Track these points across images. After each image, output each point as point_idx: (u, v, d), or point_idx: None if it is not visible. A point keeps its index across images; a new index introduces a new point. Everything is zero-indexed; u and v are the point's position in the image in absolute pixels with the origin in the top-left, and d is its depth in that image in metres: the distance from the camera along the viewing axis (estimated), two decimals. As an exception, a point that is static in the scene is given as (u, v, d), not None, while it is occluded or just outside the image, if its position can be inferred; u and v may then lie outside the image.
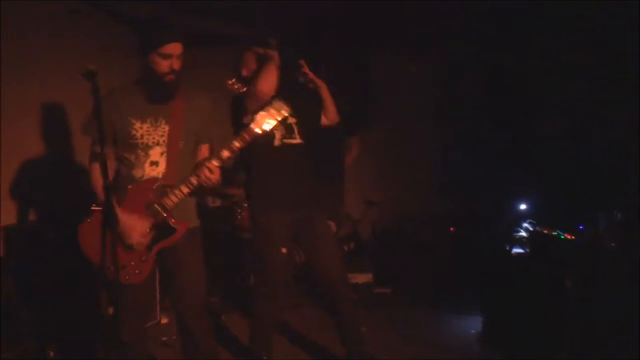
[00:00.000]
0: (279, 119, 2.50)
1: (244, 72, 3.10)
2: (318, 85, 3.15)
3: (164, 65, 2.34)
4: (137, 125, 2.42)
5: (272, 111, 2.47)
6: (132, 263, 2.42)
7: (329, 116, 3.25)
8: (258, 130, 2.46)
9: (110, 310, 2.22)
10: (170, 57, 2.34)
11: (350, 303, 3.19)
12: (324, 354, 3.52)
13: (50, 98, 3.76)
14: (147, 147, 2.44)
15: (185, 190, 2.43)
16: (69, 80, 3.44)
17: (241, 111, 2.97)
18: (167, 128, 2.44)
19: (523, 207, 4.60)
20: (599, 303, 3.07)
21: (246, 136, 2.44)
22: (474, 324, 3.93)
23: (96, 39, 4.05)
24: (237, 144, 2.43)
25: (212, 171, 2.41)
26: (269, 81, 2.93)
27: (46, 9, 3.75)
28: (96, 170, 2.43)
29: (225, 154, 2.43)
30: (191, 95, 2.53)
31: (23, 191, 3.61)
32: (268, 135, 2.91)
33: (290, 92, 3.05)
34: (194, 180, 2.43)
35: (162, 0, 4.07)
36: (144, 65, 2.38)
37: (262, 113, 2.47)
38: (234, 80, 3.06)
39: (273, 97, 2.55)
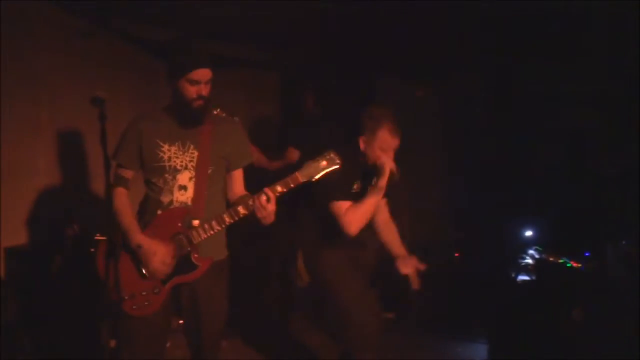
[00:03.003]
0: (327, 171, 2.39)
1: (362, 145, 2.88)
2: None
3: (191, 91, 2.31)
4: (165, 147, 2.37)
5: (324, 162, 2.38)
6: (143, 293, 2.32)
7: None
8: (303, 179, 2.37)
9: (112, 343, 2.14)
10: (198, 83, 2.30)
11: None
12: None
13: (61, 119, 3.80)
14: (174, 171, 2.38)
15: (216, 227, 2.36)
16: (79, 102, 3.47)
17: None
18: (196, 153, 2.39)
19: (529, 233, 4.58)
20: (607, 337, 3.04)
21: (290, 183, 2.36)
22: (479, 352, 3.90)
23: (107, 61, 4.10)
24: (279, 188, 2.34)
25: (269, 199, 2.31)
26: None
27: (59, 31, 3.81)
28: (118, 195, 2.39)
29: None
30: (219, 121, 2.50)
31: (29, 212, 3.63)
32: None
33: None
34: (226, 218, 2.36)
35: (172, 22, 4.16)
36: (173, 91, 2.36)
37: (310, 162, 2.39)
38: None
39: (327, 149, 2.43)
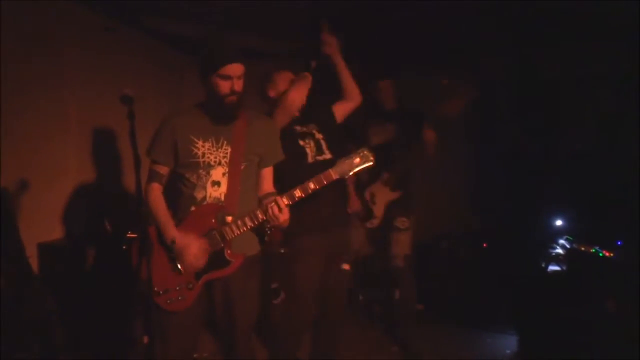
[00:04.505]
0: (361, 168, 2.42)
1: (271, 93, 3.01)
2: (336, 61, 3.02)
3: (224, 86, 2.31)
4: (199, 143, 2.39)
5: (357, 159, 2.41)
6: (177, 288, 2.35)
7: (352, 96, 3.09)
8: (337, 176, 2.40)
9: (145, 339, 2.17)
10: (230, 78, 2.30)
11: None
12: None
13: (89, 116, 3.84)
14: (208, 167, 2.39)
15: (249, 223, 2.38)
16: (106, 99, 3.51)
17: None
18: (229, 149, 2.40)
19: (559, 223, 4.49)
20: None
21: (323, 180, 2.39)
22: (509, 344, 3.86)
23: (131, 56, 4.14)
24: (312, 186, 2.38)
25: (281, 209, 2.34)
26: (300, 94, 2.89)
27: (82, 26, 3.84)
28: (153, 191, 2.43)
29: (298, 193, 2.38)
30: (253, 117, 2.50)
31: (61, 209, 3.68)
32: (300, 151, 2.92)
33: (314, 107, 3.01)
34: (260, 215, 2.37)
35: (195, 16, 4.16)
36: (206, 87, 2.37)
37: (344, 159, 2.41)
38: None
39: (361, 147, 2.48)
